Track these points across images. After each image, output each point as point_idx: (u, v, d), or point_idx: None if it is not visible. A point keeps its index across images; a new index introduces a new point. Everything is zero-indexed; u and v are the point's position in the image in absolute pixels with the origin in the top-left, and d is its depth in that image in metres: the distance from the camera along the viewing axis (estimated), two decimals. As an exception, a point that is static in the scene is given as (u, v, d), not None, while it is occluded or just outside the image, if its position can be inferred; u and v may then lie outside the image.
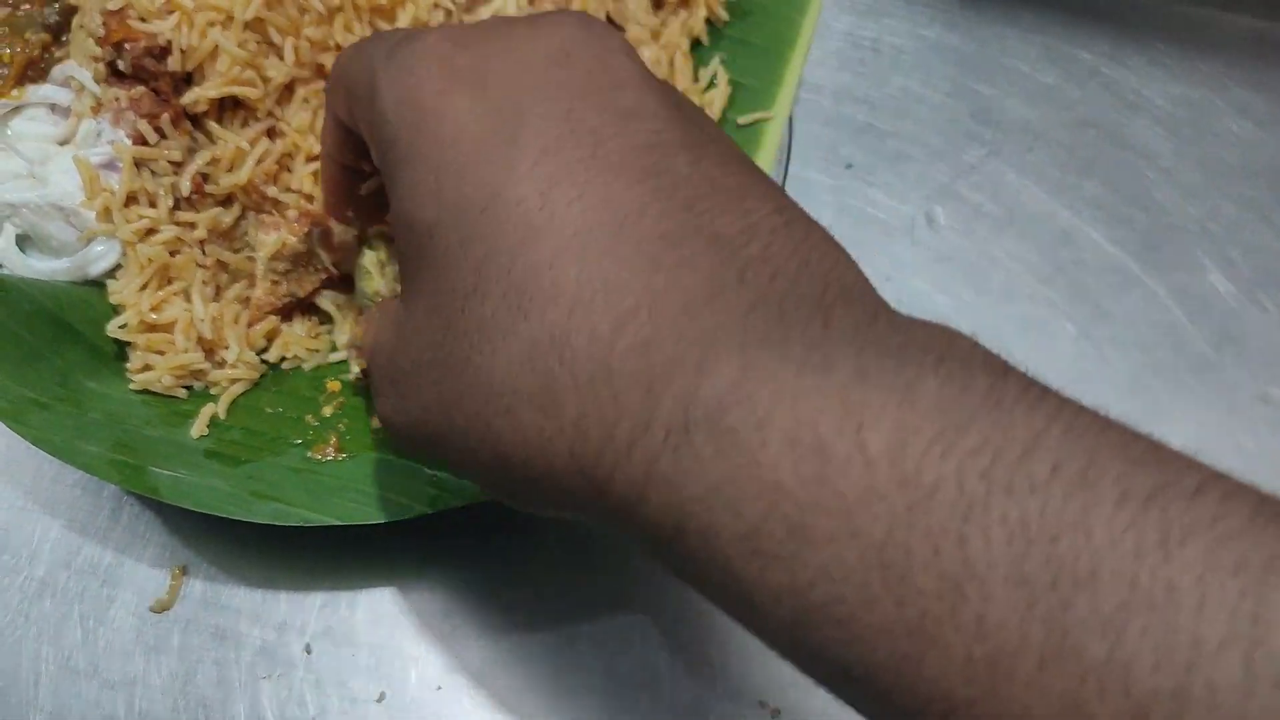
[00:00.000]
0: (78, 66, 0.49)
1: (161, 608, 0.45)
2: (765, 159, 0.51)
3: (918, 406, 0.20)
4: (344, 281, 0.49)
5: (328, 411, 0.46)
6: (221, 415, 0.46)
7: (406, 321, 0.29)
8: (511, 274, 0.25)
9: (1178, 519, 0.18)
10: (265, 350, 0.48)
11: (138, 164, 0.47)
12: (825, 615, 0.20)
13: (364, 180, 0.40)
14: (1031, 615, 0.18)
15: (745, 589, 0.22)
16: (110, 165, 0.47)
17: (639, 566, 0.46)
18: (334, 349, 0.49)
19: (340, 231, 0.45)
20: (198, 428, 0.45)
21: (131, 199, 0.47)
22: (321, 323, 0.49)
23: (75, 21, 0.51)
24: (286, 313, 0.49)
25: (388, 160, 0.29)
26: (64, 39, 0.51)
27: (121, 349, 0.47)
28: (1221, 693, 0.17)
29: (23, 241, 0.48)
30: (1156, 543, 0.18)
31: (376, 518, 0.42)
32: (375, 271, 0.46)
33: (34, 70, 0.50)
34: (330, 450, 0.44)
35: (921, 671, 0.19)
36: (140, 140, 0.47)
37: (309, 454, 0.44)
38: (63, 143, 0.49)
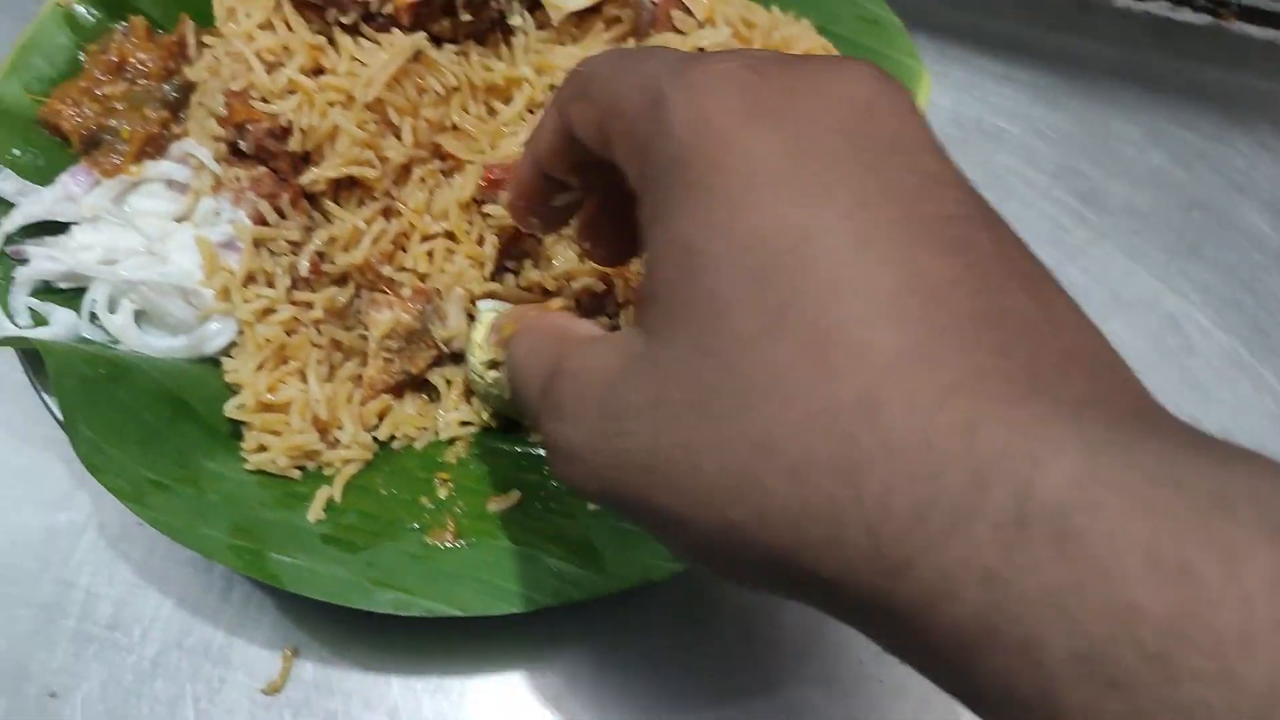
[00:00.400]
0: (197, 144, 0.49)
1: (273, 690, 0.45)
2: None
3: None
4: (454, 358, 0.49)
5: (442, 494, 0.46)
6: (337, 498, 0.45)
7: (649, 354, 0.26)
8: (819, 325, 0.23)
9: None
10: (375, 428, 0.48)
11: (256, 244, 0.47)
12: None
13: (561, 192, 0.37)
14: None
15: (1069, 716, 0.19)
16: (229, 245, 0.47)
17: (756, 654, 0.45)
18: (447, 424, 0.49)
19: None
20: (314, 511, 0.45)
21: (249, 278, 0.47)
22: (430, 400, 0.49)
23: (194, 99, 0.51)
24: (398, 390, 0.49)
25: (666, 182, 0.27)
26: (182, 115, 0.51)
27: (236, 428, 0.47)
28: None
29: (139, 318, 0.48)
30: None
31: (497, 609, 0.42)
32: (487, 346, 0.46)
33: (152, 146, 0.50)
34: (448, 536, 0.44)
35: None
36: (260, 220, 0.47)
37: (426, 539, 0.44)
38: (180, 219, 0.49)
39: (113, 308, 0.48)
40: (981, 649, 0.20)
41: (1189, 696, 0.18)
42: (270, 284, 0.47)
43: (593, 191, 0.36)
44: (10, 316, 0.47)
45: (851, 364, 0.22)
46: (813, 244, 0.23)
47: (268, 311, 0.47)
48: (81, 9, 0.53)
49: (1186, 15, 0.62)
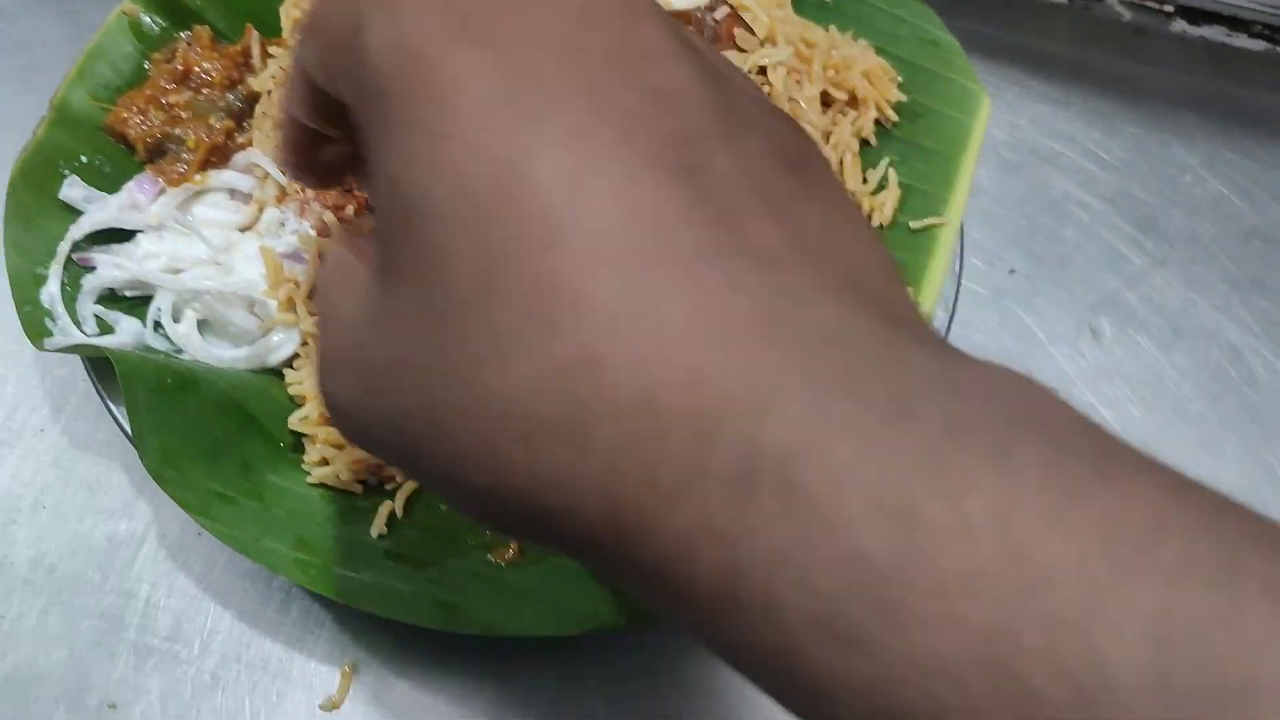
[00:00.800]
0: (261, 154, 0.49)
1: (332, 706, 0.45)
2: (939, 266, 0.51)
3: (1023, 473, 0.17)
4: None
5: (503, 512, 0.46)
6: (399, 513, 0.45)
7: (383, 305, 0.24)
8: (535, 278, 0.20)
9: None
10: (436, 444, 0.48)
11: (321, 255, 0.47)
12: (913, 714, 0.17)
13: (326, 144, 0.33)
14: None
15: (817, 680, 0.18)
16: (294, 255, 0.47)
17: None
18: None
19: None
20: (377, 526, 0.44)
21: (314, 289, 0.47)
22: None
23: (259, 109, 0.51)
24: (458, 407, 0.49)
25: (373, 115, 0.24)
26: (246, 125, 0.51)
27: (298, 440, 0.47)
28: None
29: (202, 327, 0.48)
30: None
31: (563, 630, 0.42)
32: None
33: (217, 156, 0.50)
34: (511, 553, 0.44)
35: None
36: (325, 231, 0.47)
37: (489, 556, 0.44)
38: (244, 229, 0.49)
39: (177, 316, 0.48)
40: (726, 614, 0.19)
41: (918, 646, 0.17)
42: (335, 297, 0.47)
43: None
44: (78, 324, 0.47)
45: (571, 318, 0.20)
46: (523, 181, 0.21)
47: (332, 325, 0.47)
48: (147, 18, 0.53)
49: (1243, 41, 0.62)
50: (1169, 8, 0.62)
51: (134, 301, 0.49)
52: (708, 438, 0.19)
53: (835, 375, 0.19)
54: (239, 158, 0.50)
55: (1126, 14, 0.63)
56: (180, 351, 0.48)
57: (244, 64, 0.52)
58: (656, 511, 0.19)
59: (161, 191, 0.49)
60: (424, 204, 0.22)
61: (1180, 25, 0.62)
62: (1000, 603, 0.17)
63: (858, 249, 0.23)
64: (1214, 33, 0.62)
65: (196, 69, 0.52)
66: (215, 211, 0.50)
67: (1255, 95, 0.61)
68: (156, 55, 0.53)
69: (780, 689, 0.19)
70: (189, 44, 0.53)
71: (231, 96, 0.51)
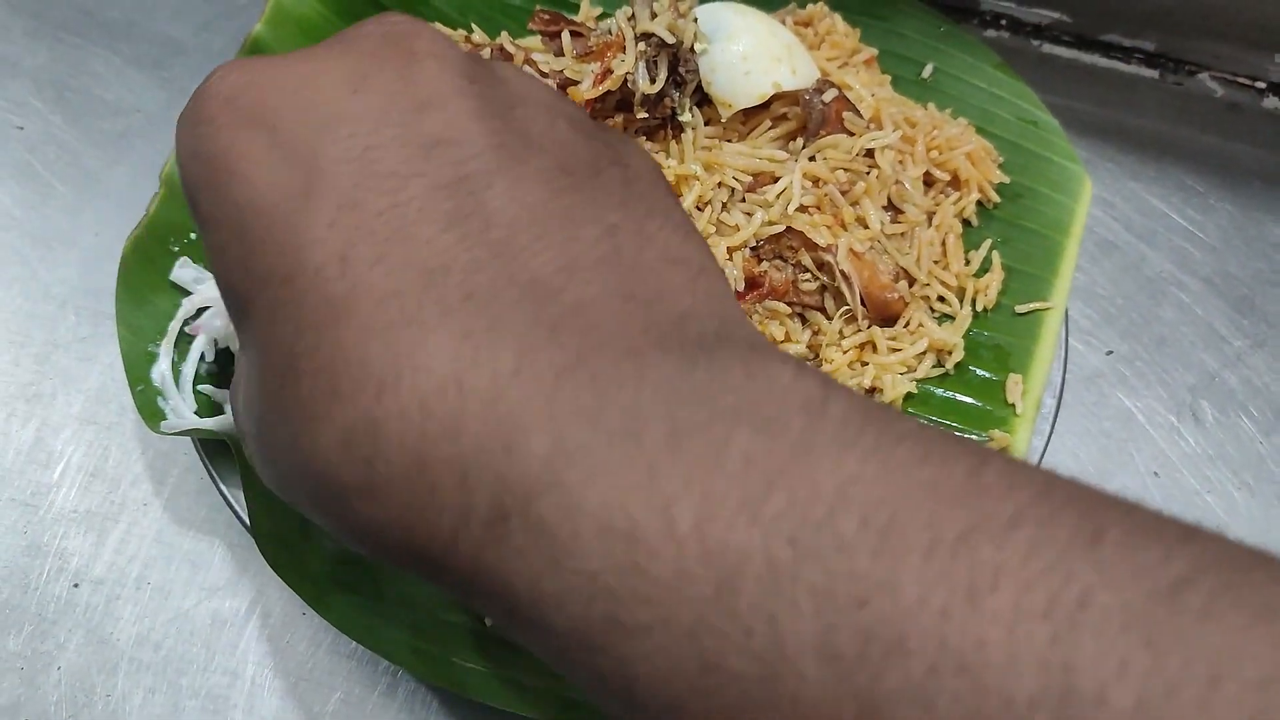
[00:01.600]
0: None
1: (441, 793, 0.44)
2: (1045, 350, 0.50)
3: (726, 468, 0.19)
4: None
5: (613, 598, 0.46)
6: (510, 599, 0.45)
7: (245, 384, 0.25)
8: (319, 354, 0.22)
9: (989, 561, 0.17)
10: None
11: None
12: (656, 705, 0.19)
13: None
14: (843, 692, 0.17)
15: (582, 680, 0.20)
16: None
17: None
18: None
19: None
20: (491, 613, 0.44)
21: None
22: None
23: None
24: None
25: (196, 221, 0.25)
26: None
27: (407, 522, 0.47)
28: None
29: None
30: (965, 594, 0.17)
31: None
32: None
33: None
34: (625, 645, 0.44)
35: None
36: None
37: (603, 648, 0.44)
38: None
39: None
40: (519, 635, 0.21)
41: (650, 649, 0.19)
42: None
43: None
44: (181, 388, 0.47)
45: (354, 389, 0.21)
46: (302, 266, 0.22)
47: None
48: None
49: (1335, 118, 0.62)
50: (1261, 84, 0.62)
51: (242, 379, 0.49)
52: (468, 486, 0.20)
53: (578, 402, 0.20)
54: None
55: (1219, 90, 0.62)
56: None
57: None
58: (443, 554, 0.21)
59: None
60: (240, 297, 0.24)
61: (1273, 102, 0.62)
62: (704, 601, 0.18)
63: (645, 254, 0.23)
64: (1306, 109, 0.62)
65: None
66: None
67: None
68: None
69: (575, 685, 0.21)
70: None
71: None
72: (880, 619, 0.17)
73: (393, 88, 0.24)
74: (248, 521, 0.43)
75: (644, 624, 0.19)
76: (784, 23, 0.55)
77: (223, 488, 0.45)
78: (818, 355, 0.49)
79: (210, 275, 0.48)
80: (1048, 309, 0.51)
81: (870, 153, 0.51)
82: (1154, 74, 0.63)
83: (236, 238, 0.23)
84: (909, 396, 0.49)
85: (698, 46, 0.50)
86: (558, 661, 0.21)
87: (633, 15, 0.50)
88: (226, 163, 0.24)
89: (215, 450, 0.46)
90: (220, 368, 0.49)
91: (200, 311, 0.49)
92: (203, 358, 0.48)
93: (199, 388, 0.48)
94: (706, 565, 0.18)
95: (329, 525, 0.23)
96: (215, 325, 0.48)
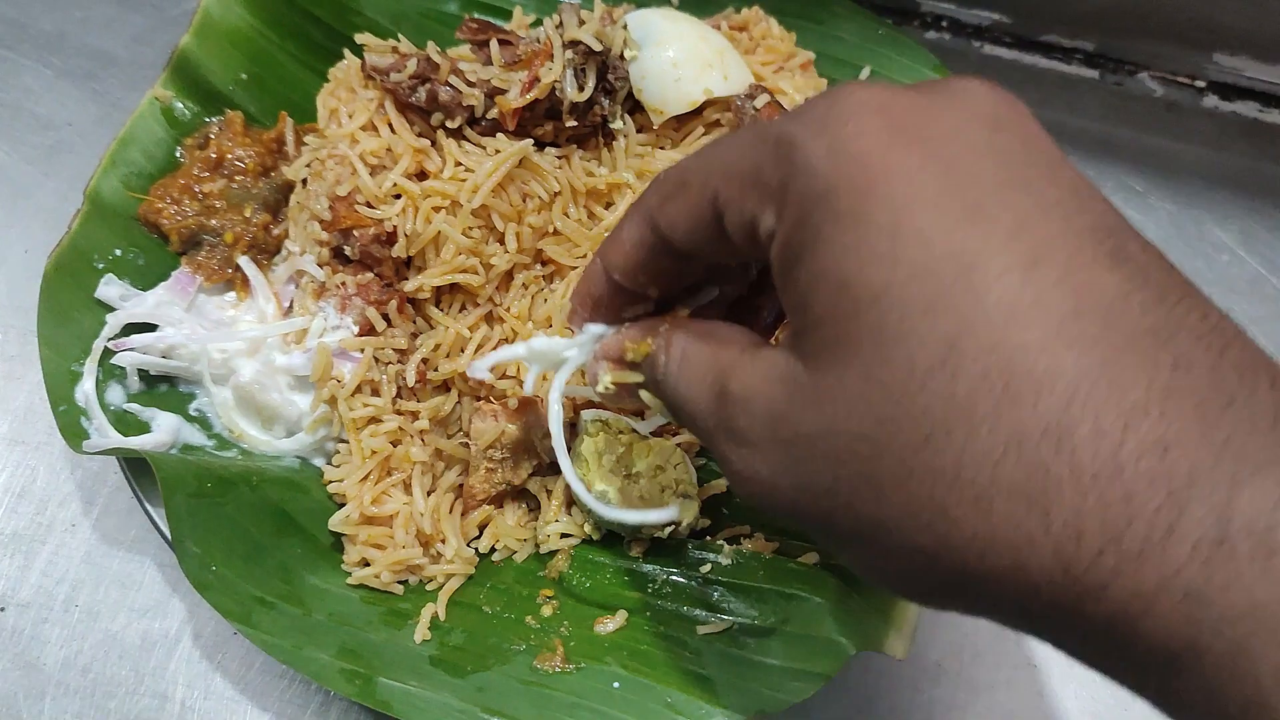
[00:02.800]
0: (304, 259, 0.48)
1: (374, 814, 0.44)
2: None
3: None
4: (553, 467, 0.48)
5: (547, 611, 0.45)
6: (441, 615, 0.45)
7: (813, 384, 0.26)
8: (995, 353, 0.23)
9: None
10: (476, 539, 0.48)
11: (363, 351, 0.46)
12: None
13: (635, 303, 0.35)
14: None
15: None
16: (341, 353, 0.47)
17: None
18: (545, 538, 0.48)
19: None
20: (420, 631, 0.44)
21: (356, 388, 0.46)
22: (529, 509, 0.49)
23: (294, 199, 0.51)
24: (498, 500, 0.48)
25: (809, 218, 0.26)
26: (282, 215, 0.51)
27: (337, 539, 0.46)
28: None
29: (244, 415, 0.48)
30: None
31: (614, 741, 0.41)
32: (592, 460, 0.46)
33: (256, 249, 0.49)
34: (557, 660, 0.43)
35: None
36: (367, 327, 0.47)
37: (535, 663, 0.43)
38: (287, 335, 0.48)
39: (227, 408, 0.47)
40: (1183, 663, 0.21)
41: None
42: (376, 392, 0.46)
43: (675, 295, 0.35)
44: (110, 415, 0.46)
45: (1034, 391, 0.22)
46: (980, 270, 0.23)
47: (373, 420, 0.46)
48: (179, 104, 0.52)
49: (1275, 116, 0.62)
50: (1200, 83, 0.62)
51: (169, 395, 0.48)
52: (1178, 501, 0.21)
53: None
54: (281, 268, 0.49)
55: (1158, 90, 0.62)
56: (220, 447, 0.47)
57: (278, 151, 0.52)
58: (1117, 569, 0.21)
59: (199, 288, 0.49)
60: (874, 293, 0.24)
61: (1213, 101, 0.62)
62: None
63: (1246, 333, 0.24)
64: (1246, 108, 0.62)
65: (229, 156, 0.51)
66: (251, 314, 0.49)
67: (1287, 170, 0.61)
68: (189, 141, 0.52)
69: None
70: (221, 129, 0.52)
71: (264, 185, 0.51)
72: None
73: (1026, 136, 0.26)
74: (170, 539, 0.43)
75: None
76: (719, 28, 0.55)
77: (148, 507, 0.45)
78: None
79: (136, 293, 0.48)
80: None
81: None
82: (1094, 74, 0.63)
83: (889, 234, 0.24)
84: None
85: (628, 53, 0.49)
86: (1233, 709, 0.21)
87: (560, 23, 0.49)
88: (887, 164, 0.25)
89: (142, 471, 0.45)
90: (148, 387, 0.48)
91: (127, 329, 0.48)
92: (125, 375, 0.47)
93: (127, 406, 0.47)
94: None
95: (919, 537, 0.24)
96: (152, 344, 0.47)
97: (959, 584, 0.24)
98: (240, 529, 0.44)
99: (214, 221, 0.49)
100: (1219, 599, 0.20)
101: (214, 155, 0.51)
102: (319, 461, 0.48)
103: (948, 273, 0.23)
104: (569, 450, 0.46)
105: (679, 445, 0.47)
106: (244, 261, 0.49)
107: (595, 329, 0.35)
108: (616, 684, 0.43)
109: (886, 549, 0.25)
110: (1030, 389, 0.22)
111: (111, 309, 0.48)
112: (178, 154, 0.52)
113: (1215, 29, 0.60)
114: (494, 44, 0.49)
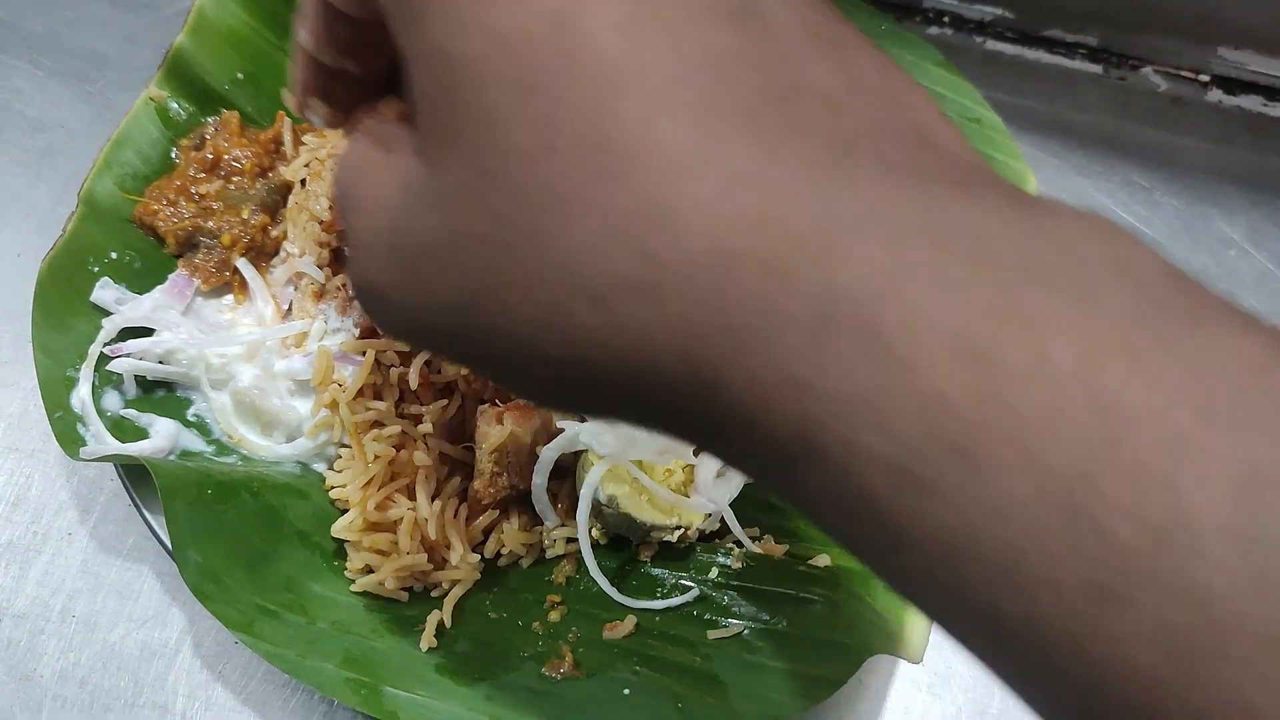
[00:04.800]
0: (303, 261, 0.48)
1: (379, 825, 0.43)
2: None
3: (1110, 319, 0.17)
4: (558, 472, 0.48)
5: (554, 617, 0.44)
6: (448, 622, 0.44)
7: (430, 183, 0.23)
8: (595, 130, 0.20)
9: None
10: (481, 544, 0.47)
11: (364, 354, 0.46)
12: (986, 561, 0.17)
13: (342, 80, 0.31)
14: (1260, 586, 0.15)
15: (888, 525, 0.18)
16: (343, 357, 0.46)
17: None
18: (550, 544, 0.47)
19: None
20: (426, 639, 0.43)
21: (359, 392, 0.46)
22: (534, 514, 0.48)
23: (292, 199, 0.50)
24: (503, 505, 0.47)
25: None
26: (280, 216, 0.50)
27: (339, 546, 0.45)
28: None
29: (244, 420, 0.47)
30: None
31: (625, 749, 0.40)
32: (600, 460, 0.45)
33: (254, 251, 0.49)
34: (566, 666, 0.43)
35: (1101, 637, 0.16)
36: (369, 329, 0.46)
37: (543, 670, 0.43)
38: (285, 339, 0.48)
39: (224, 412, 0.46)
40: (802, 463, 0.19)
41: (995, 491, 0.17)
42: (378, 396, 0.46)
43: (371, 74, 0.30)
44: (106, 420, 0.45)
45: (635, 169, 0.20)
46: (575, 32, 0.20)
47: (376, 424, 0.45)
48: (174, 104, 0.52)
49: None
50: (1204, 77, 0.62)
51: (166, 401, 0.47)
52: (782, 280, 0.18)
53: (911, 217, 0.18)
54: (280, 270, 0.49)
55: (1162, 84, 0.62)
56: (219, 453, 0.46)
57: (275, 151, 0.51)
58: (732, 358, 0.19)
59: (196, 291, 0.48)
60: (470, 66, 0.21)
61: (1217, 95, 0.62)
62: (1082, 449, 0.16)
63: (913, 97, 0.22)
64: (1251, 102, 0.62)
65: (226, 156, 0.50)
66: (249, 318, 0.48)
67: (1293, 165, 0.61)
68: (184, 141, 0.52)
69: (856, 538, 0.19)
70: (216, 129, 0.51)
71: (262, 185, 0.50)
72: None
73: None
74: (170, 547, 0.42)
75: (1002, 461, 0.17)
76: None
77: (147, 515, 0.44)
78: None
79: (133, 296, 0.47)
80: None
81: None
82: (1097, 69, 0.63)
83: (477, 1, 0.21)
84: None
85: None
86: (850, 507, 0.19)
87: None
88: None
89: (140, 478, 0.44)
90: (145, 393, 0.47)
91: (123, 334, 0.47)
92: (121, 381, 0.46)
93: (123, 412, 0.46)
94: (1091, 412, 0.16)
95: (546, 344, 0.21)
96: (145, 362, 0.46)
97: (603, 393, 0.22)
98: (242, 536, 0.43)
99: (211, 223, 0.49)
100: (824, 386, 0.18)
101: (210, 156, 0.50)
102: (319, 467, 0.47)
103: (543, 37, 0.20)
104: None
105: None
106: (242, 264, 0.49)
107: None
108: (627, 690, 0.42)
109: (520, 361, 0.22)
110: (627, 167, 0.20)
111: (107, 313, 0.47)
112: (173, 155, 0.51)
113: (1219, 23, 0.59)
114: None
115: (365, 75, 0.30)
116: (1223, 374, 0.16)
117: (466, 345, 0.23)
